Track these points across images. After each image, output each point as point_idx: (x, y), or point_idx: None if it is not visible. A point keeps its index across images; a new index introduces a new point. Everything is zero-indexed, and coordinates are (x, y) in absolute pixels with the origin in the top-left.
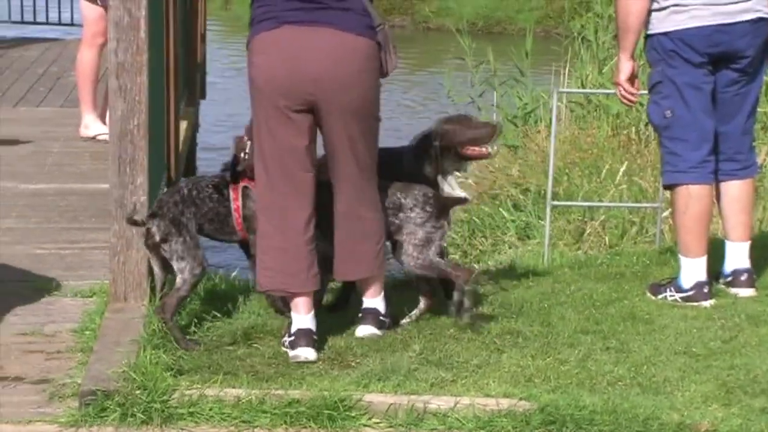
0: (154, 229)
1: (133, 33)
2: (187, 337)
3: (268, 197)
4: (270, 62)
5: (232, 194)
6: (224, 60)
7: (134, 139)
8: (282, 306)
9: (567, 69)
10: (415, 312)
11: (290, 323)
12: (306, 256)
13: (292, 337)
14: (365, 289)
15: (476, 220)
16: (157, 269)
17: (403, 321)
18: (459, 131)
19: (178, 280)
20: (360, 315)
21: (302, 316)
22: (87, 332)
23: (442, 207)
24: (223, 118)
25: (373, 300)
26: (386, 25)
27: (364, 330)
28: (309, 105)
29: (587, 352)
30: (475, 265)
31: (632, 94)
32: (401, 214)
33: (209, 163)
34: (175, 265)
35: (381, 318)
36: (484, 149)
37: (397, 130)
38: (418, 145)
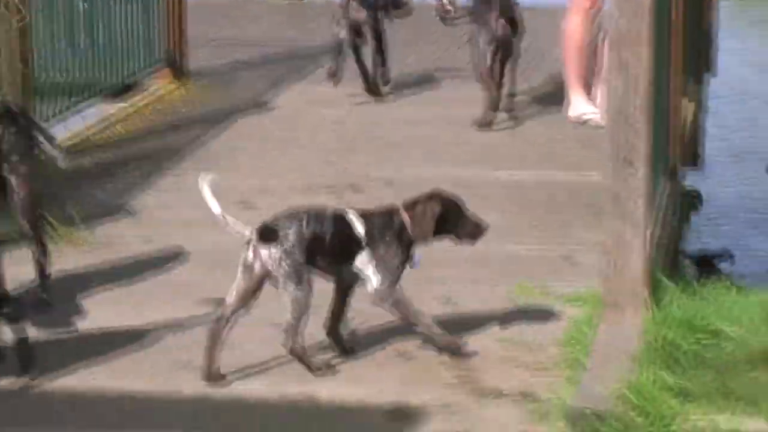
0: None
1: None
2: None
3: None
4: None
5: None
6: (735, 27)
7: (634, 123)
8: None
9: None
10: None
11: None
12: None
13: None
14: None
15: None
16: None
17: None
18: None
19: None
20: None
21: None
22: (575, 345)
23: None
24: (728, 94)
25: None
26: None
27: None
28: None
29: None
30: None
31: None
32: None
33: (718, 152)
34: None
35: None
36: None
37: None
38: None
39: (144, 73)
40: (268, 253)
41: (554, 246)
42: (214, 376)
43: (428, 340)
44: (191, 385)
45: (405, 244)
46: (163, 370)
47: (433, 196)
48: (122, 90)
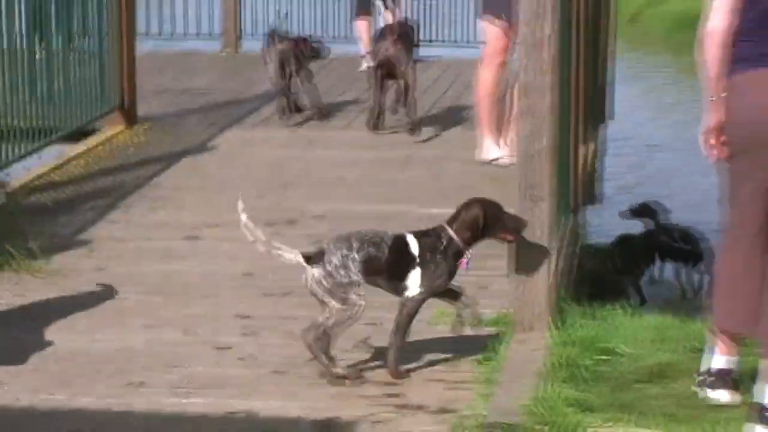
0: None
1: (539, 52)
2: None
3: (732, 239)
4: (746, 105)
5: None
6: (629, 79)
7: (540, 162)
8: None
9: None
10: None
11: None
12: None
13: (711, 378)
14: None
15: None
16: None
17: None
18: None
19: None
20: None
21: (724, 357)
22: (489, 363)
23: None
24: (622, 141)
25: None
26: None
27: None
28: None
29: None
30: None
31: None
32: None
33: (613, 190)
34: None
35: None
36: None
37: None
38: None
39: (98, 118)
40: (311, 274)
41: (471, 274)
42: (347, 375)
43: (386, 355)
44: (141, 403)
45: (452, 260)
46: (116, 390)
47: (472, 203)
48: (78, 134)
